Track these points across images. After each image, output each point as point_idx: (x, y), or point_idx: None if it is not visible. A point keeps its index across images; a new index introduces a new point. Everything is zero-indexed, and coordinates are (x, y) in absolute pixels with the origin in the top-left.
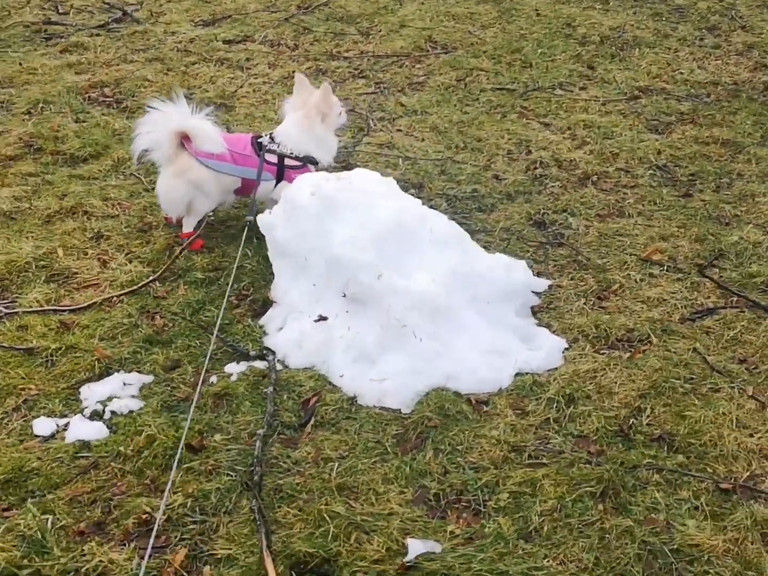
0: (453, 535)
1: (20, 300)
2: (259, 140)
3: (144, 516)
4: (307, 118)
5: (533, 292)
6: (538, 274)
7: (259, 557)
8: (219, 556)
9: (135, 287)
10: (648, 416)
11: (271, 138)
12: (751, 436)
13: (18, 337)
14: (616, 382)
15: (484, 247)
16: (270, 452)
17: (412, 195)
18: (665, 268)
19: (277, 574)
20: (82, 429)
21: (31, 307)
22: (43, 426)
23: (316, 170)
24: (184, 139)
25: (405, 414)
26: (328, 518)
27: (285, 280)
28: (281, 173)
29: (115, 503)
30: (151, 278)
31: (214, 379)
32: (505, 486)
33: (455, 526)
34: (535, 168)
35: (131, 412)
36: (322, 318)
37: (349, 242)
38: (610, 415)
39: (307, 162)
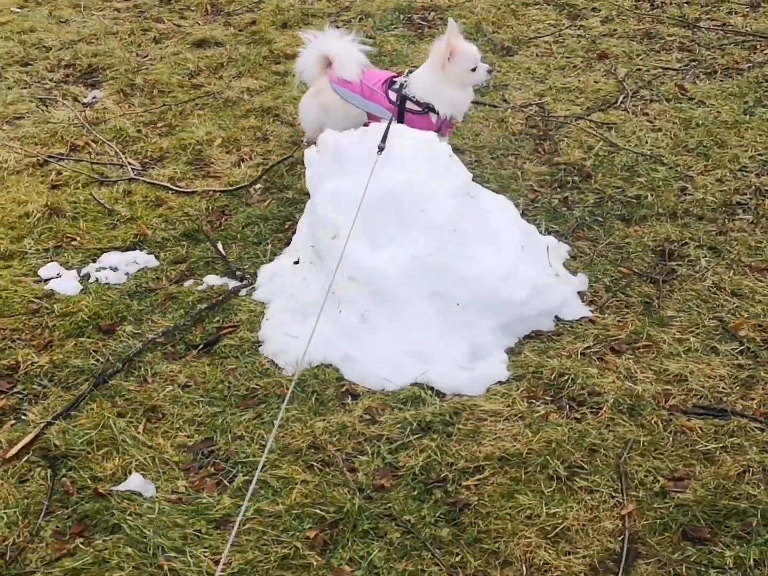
0: None
1: (153, 171)
2: (395, 78)
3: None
4: (435, 64)
5: (556, 318)
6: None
7: None
8: None
9: (232, 188)
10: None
11: (405, 76)
12: None
13: (117, 198)
14: (494, 434)
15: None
16: (144, 357)
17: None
18: (740, 348)
19: None
20: (62, 283)
21: (153, 177)
22: (47, 270)
23: (438, 121)
24: (329, 64)
25: (283, 374)
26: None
27: (302, 218)
28: (402, 115)
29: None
30: (243, 184)
31: (189, 282)
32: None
33: None
34: None
35: (107, 284)
36: (295, 262)
37: (330, 198)
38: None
39: (427, 109)
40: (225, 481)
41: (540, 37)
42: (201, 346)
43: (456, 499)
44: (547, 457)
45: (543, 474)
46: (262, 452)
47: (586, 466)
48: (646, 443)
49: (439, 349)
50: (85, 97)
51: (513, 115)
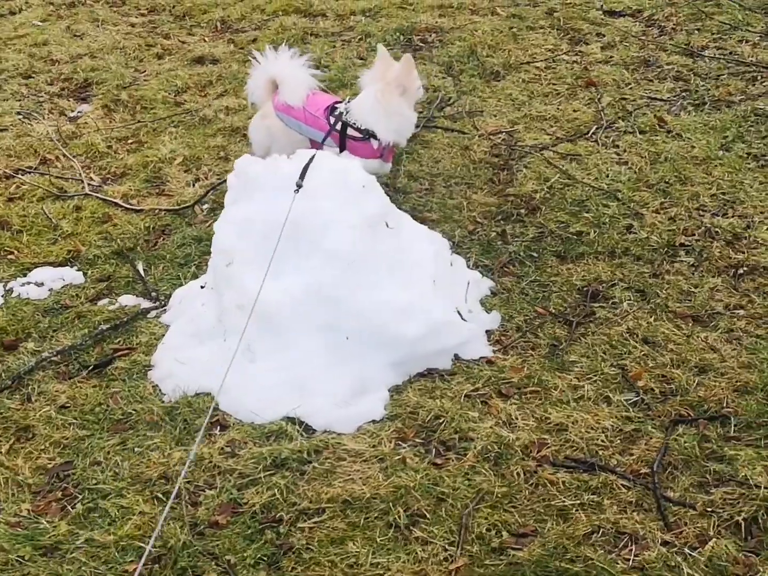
0: None
1: (110, 188)
2: (336, 105)
3: None
4: (384, 91)
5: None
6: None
7: None
8: None
9: (178, 207)
10: None
11: (347, 102)
12: None
13: (66, 213)
14: (347, 475)
15: None
16: (35, 376)
17: None
18: (634, 399)
19: None
20: None
21: (107, 194)
22: None
23: (378, 146)
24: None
25: (164, 400)
26: None
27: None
28: (344, 142)
29: None
30: (189, 204)
31: (104, 301)
32: None
33: None
34: None
35: (27, 299)
36: (202, 286)
37: (235, 224)
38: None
39: (368, 136)
40: (69, 507)
41: (533, 62)
42: (92, 367)
43: (285, 542)
44: (392, 503)
45: (383, 521)
46: (114, 479)
47: (428, 515)
48: (500, 495)
49: (321, 382)
50: (72, 111)
51: (479, 142)
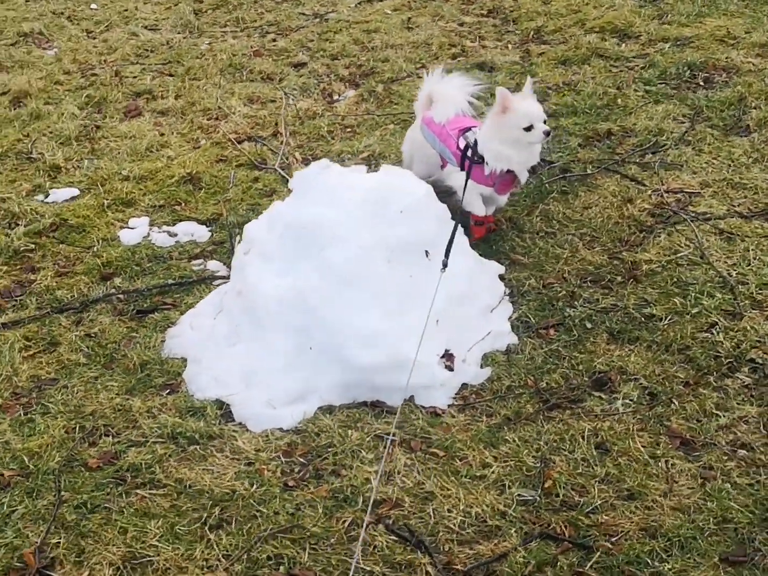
0: None
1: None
2: (472, 127)
3: None
4: (492, 115)
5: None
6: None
7: None
8: None
9: None
10: None
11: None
12: None
13: (244, 181)
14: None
15: None
16: (97, 306)
17: None
18: (525, 498)
19: None
20: (127, 234)
21: (289, 173)
22: (136, 222)
23: (490, 173)
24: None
25: (152, 354)
26: None
27: None
28: (463, 163)
29: None
30: None
31: (198, 261)
32: None
33: None
34: None
35: (152, 244)
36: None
37: (268, 216)
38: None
39: (480, 159)
40: (21, 413)
41: None
42: (137, 311)
43: (113, 499)
44: (216, 504)
45: (196, 514)
46: (63, 404)
47: (233, 526)
48: (309, 533)
49: (270, 380)
50: (338, 95)
51: (647, 198)
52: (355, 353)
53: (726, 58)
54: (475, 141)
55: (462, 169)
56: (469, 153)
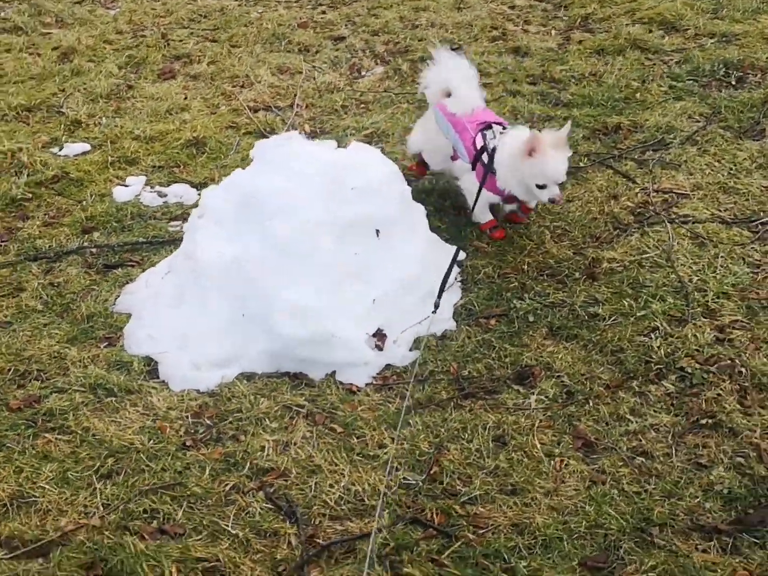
0: None
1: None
2: (496, 125)
3: None
4: (520, 149)
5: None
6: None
7: None
8: None
9: None
10: None
11: (503, 128)
12: None
13: (245, 148)
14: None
15: None
16: (70, 257)
17: None
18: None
19: None
20: (120, 191)
21: None
22: (132, 180)
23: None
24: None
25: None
26: None
27: None
28: (476, 163)
29: None
30: None
31: (177, 222)
32: None
33: None
34: None
35: (139, 202)
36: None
37: (225, 183)
38: None
39: (493, 170)
40: None
41: None
42: (105, 266)
43: (20, 439)
44: (111, 454)
45: (92, 462)
46: (6, 347)
47: (121, 476)
48: (188, 492)
49: (201, 342)
50: (366, 71)
51: (633, 197)
52: (281, 324)
53: (767, 57)
54: (494, 149)
55: (473, 168)
56: (485, 157)
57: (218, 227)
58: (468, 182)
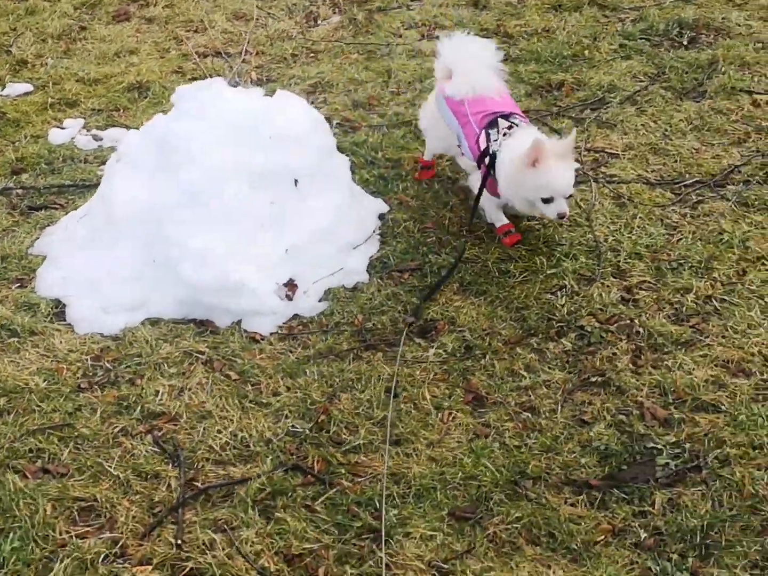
0: None
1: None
2: (507, 119)
3: None
4: (523, 158)
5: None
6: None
7: None
8: None
9: None
10: None
11: (509, 127)
12: None
13: None
14: None
15: None
16: None
17: None
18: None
19: None
20: (56, 134)
21: None
22: (69, 123)
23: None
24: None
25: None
26: None
27: None
28: (480, 161)
29: None
30: None
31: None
32: None
33: None
34: None
35: (74, 145)
36: None
37: (145, 130)
38: None
39: (492, 173)
40: None
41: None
42: (29, 207)
43: None
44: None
45: None
46: None
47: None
48: (59, 423)
49: (112, 286)
50: (323, 20)
51: None
52: (189, 271)
53: (722, 18)
54: (494, 154)
55: (479, 167)
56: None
57: (134, 172)
58: (473, 181)
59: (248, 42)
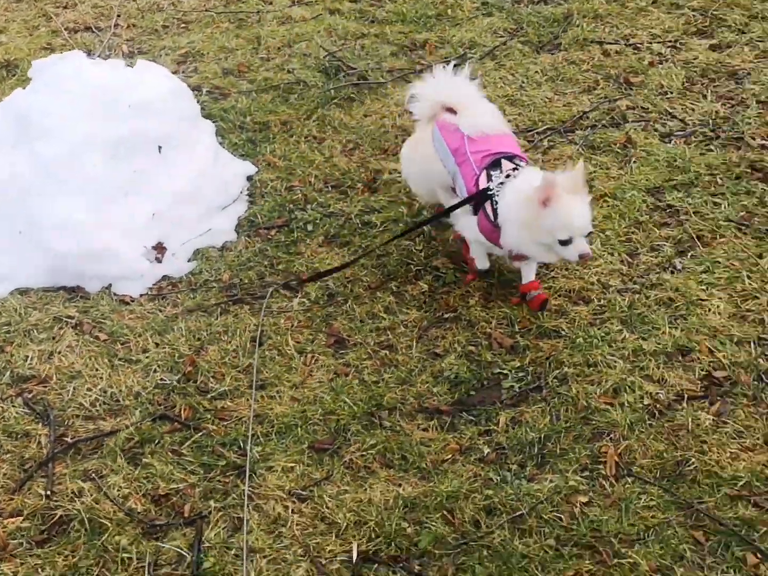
0: None
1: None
2: (508, 159)
3: None
4: (532, 200)
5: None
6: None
7: None
8: None
9: None
10: None
11: (514, 169)
12: None
13: None
14: None
15: None
16: None
17: None
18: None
19: None
20: None
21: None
22: None
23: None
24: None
25: None
26: None
27: None
28: (478, 208)
29: None
30: None
31: None
32: None
33: None
34: None
35: None
36: None
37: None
38: None
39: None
40: None
41: (614, 43)
42: None
43: None
44: None
45: None
46: None
47: None
48: None
49: None
50: None
51: None
52: (55, 241)
53: None
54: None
55: (475, 213)
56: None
57: None
58: (467, 224)
59: (118, 15)
